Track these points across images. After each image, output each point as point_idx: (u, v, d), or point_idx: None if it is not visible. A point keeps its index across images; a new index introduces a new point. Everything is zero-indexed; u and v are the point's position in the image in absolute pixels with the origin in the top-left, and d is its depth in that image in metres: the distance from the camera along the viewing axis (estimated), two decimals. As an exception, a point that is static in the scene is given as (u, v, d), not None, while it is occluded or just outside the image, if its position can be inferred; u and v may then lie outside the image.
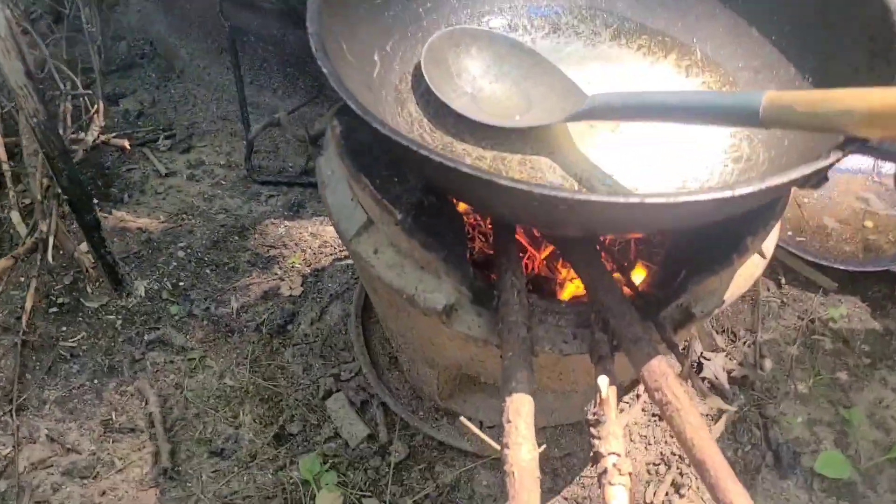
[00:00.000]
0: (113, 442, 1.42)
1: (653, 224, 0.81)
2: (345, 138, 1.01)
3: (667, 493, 1.32)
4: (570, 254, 0.99)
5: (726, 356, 1.54)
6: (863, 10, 0.90)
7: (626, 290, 1.04)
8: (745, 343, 1.59)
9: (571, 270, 1.09)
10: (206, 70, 2.22)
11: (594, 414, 0.79)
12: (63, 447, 1.41)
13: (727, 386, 1.46)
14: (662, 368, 0.81)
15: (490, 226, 1.12)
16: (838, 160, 0.73)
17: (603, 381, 0.77)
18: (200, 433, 1.42)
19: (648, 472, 1.35)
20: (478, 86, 1.11)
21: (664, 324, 0.98)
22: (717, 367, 1.46)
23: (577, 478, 1.34)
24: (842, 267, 1.67)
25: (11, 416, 1.44)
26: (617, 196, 0.70)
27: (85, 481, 1.36)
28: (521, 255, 1.01)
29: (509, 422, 0.80)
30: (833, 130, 0.74)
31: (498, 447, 0.81)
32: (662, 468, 1.35)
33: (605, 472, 0.75)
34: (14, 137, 1.89)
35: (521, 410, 0.81)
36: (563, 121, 0.99)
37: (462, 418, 0.85)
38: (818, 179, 0.81)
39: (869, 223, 1.74)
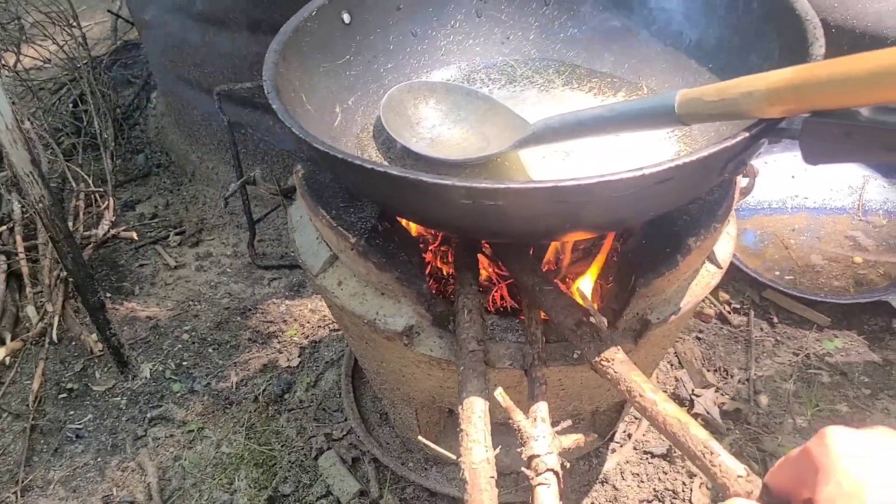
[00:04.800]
0: (112, 516, 1.44)
1: (584, 219, 0.84)
2: (306, 179, 1.08)
3: (662, 529, 1.28)
4: (512, 265, 1.04)
5: (717, 392, 1.51)
6: (780, 32, 0.96)
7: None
8: (738, 380, 1.56)
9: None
10: (215, 170, 2.36)
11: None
12: (64, 524, 1.43)
13: (720, 420, 1.43)
14: (612, 352, 0.84)
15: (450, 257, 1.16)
16: (746, 140, 0.76)
17: (497, 392, 0.80)
18: (196, 501, 1.43)
19: (642, 508, 1.32)
20: (437, 132, 1.18)
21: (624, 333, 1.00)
22: (707, 401, 1.43)
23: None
24: (834, 300, 1.65)
25: (17, 497, 1.47)
26: (533, 182, 0.74)
27: (83, 555, 1.37)
28: (477, 278, 1.04)
29: (461, 429, 0.82)
30: (742, 115, 0.79)
31: (453, 456, 0.81)
32: (656, 504, 1.32)
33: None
34: (34, 240, 2.01)
35: (471, 417, 0.83)
36: (511, 148, 1.05)
37: (420, 437, 0.86)
38: (736, 165, 0.85)
39: (858, 259, 1.72)
